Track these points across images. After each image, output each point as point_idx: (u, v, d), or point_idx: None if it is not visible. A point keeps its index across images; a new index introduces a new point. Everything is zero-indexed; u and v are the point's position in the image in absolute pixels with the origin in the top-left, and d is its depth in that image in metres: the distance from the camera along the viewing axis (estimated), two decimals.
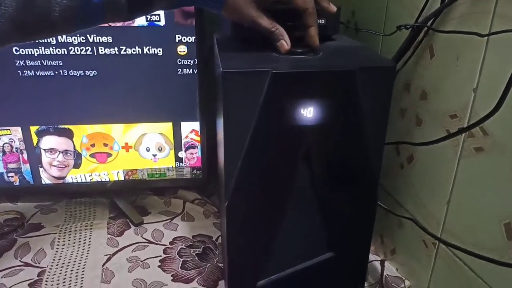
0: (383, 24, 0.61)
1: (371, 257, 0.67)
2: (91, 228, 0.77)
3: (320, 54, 0.49)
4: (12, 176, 0.80)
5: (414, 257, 0.59)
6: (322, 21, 0.53)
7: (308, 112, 0.46)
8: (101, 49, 0.72)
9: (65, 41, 0.71)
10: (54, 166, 0.81)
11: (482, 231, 0.46)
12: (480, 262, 0.45)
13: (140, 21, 0.71)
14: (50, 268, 0.67)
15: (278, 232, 0.52)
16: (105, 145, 0.80)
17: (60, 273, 0.66)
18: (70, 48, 0.71)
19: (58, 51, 0.71)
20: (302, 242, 0.54)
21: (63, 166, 0.81)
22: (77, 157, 0.80)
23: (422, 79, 0.54)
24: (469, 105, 0.46)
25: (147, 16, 0.71)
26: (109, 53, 0.73)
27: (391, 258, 0.65)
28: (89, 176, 0.82)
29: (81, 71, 0.74)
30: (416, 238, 0.57)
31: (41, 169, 0.80)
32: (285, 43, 0.48)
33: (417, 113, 0.55)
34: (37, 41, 0.70)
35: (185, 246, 0.73)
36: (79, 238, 0.74)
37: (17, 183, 0.81)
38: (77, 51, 0.72)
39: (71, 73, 0.73)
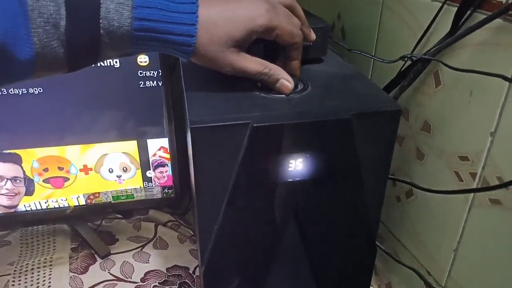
0: (375, 38, 0.52)
1: None
2: (50, 265, 0.68)
3: (308, 89, 0.41)
4: None
5: None
6: (308, 43, 0.44)
7: (297, 166, 0.38)
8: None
9: None
10: (2, 194, 0.70)
11: (493, 286, 0.40)
12: None
13: None
14: None
15: None
16: (60, 168, 0.70)
17: None
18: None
19: None
20: None
21: (13, 194, 0.71)
22: (29, 183, 0.70)
23: (424, 108, 0.46)
24: (484, 150, 0.39)
25: None
26: None
27: None
28: (45, 203, 0.73)
29: (24, 89, 0.63)
30: (416, 280, 0.52)
31: None
32: (287, 83, 0.39)
33: (418, 145, 0.48)
34: None
35: (158, 283, 0.65)
36: (37, 279, 0.66)
37: None
38: None
39: (11, 91, 0.62)
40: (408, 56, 0.41)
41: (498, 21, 0.35)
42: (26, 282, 0.65)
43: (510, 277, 0.38)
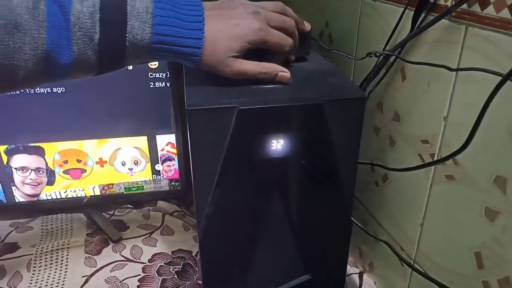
0: (355, 40, 0.59)
1: (350, 269, 0.68)
2: (68, 247, 0.76)
3: (290, 83, 0.48)
4: None
5: (391, 272, 0.59)
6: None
7: (278, 144, 0.45)
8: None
9: None
10: (27, 184, 0.79)
11: (454, 257, 0.46)
12: (452, 280, 0.45)
13: None
14: None
15: (253, 258, 0.52)
16: (79, 161, 0.78)
17: None
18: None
19: None
20: (278, 266, 0.54)
21: (36, 184, 0.79)
22: (50, 174, 0.78)
23: (394, 100, 0.53)
24: (440, 133, 0.45)
25: None
26: None
27: (370, 271, 0.66)
28: (64, 192, 0.81)
29: (48, 89, 0.71)
30: (393, 256, 0.58)
31: (13, 188, 0.78)
32: (284, 74, 0.46)
33: (390, 133, 0.54)
34: None
35: (164, 263, 0.72)
36: (56, 259, 0.73)
37: None
38: None
39: (37, 90, 0.71)
40: (373, 52, 0.48)
41: (445, 21, 0.42)
42: (46, 261, 0.73)
43: (471, 245, 0.44)
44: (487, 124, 0.38)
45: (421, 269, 0.51)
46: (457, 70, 0.40)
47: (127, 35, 0.41)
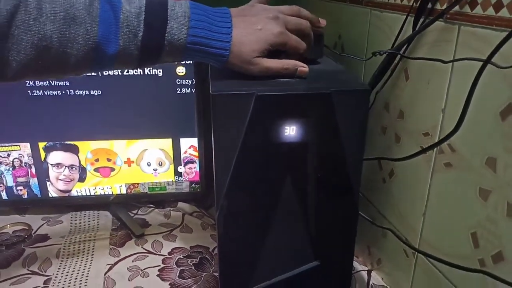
0: (365, 48, 0.65)
1: (359, 267, 0.70)
2: (94, 239, 0.81)
3: (303, 78, 0.53)
4: (20, 190, 0.85)
5: (397, 266, 0.62)
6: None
7: (291, 130, 0.50)
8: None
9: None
10: (60, 180, 0.85)
11: (454, 240, 0.49)
12: (452, 269, 0.48)
13: None
14: (56, 277, 0.71)
15: (266, 241, 0.56)
16: (109, 160, 0.85)
17: (64, 281, 0.70)
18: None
19: None
20: (289, 251, 0.58)
21: (69, 180, 0.86)
22: (82, 171, 0.85)
23: (399, 99, 0.58)
24: (438, 124, 0.50)
25: None
26: (112, 74, 0.78)
27: (377, 268, 0.69)
28: (93, 189, 0.87)
29: (86, 91, 0.79)
30: (398, 248, 0.61)
31: (48, 183, 0.85)
32: (303, 68, 0.52)
33: (396, 130, 0.59)
34: None
35: (182, 256, 0.77)
36: (83, 249, 0.79)
37: (25, 196, 0.86)
38: None
39: (77, 92, 0.79)
40: (378, 51, 0.54)
41: (441, 23, 0.48)
42: (73, 250, 0.78)
43: (468, 226, 0.47)
44: (477, 110, 0.43)
45: (426, 255, 0.54)
46: (449, 62, 0.45)
47: (166, 34, 0.48)
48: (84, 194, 0.87)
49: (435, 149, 0.51)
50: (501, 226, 0.42)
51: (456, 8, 0.45)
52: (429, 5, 0.50)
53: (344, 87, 0.50)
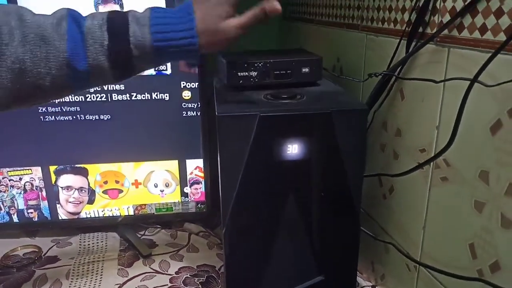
0: (362, 70, 0.68)
1: (363, 283, 0.72)
2: (103, 260, 0.83)
3: (304, 98, 0.57)
4: (31, 212, 0.87)
5: (400, 281, 0.64)
6: (306, 70, 0.61)
7: (293, 149, 0.53)
8: (115, 95, 0.81)
9: None
10: (70, 202, 0.88)
11: (453, 252, 0.51)
12: (453, 280, 0.50)
13: (149, 71, 0.80)
14: None
15: (272, 257, 0.58)
16: (117, 182, 0.88)
17: None
18: (87, 95, 0.80)
19: (76, 98, 0.80)
20: (294, 266, 0.60)
21: (78, 202, 0.88)
22: (91, 193, 0.88)
23: (396, 118, 0.60)
24: (434, 141, 0.52)
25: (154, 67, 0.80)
26: (121, 99, 0.81)
27: (381, 284, 0.70)
28: (102, 211, 0.89)
29: (96, 116, 0.82)
30: (401, 262, 0.62)
31: (58, 205, 0.87)
32: (272, 4, 0.50)
33: (394, 148, 0.62)
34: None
35: (190, 275, 0.78)
36: (92, 269, 0.80)
37: (36, 219, 0.88)
38: (93, 98, 0.80)
39: (87, 117, 0.82)
40: (374, 73, 0.57)
41: (432, 46, 0.51)
42: (83, 271, 0.80)
43: (465, 238, 0.49)
44: (469, 126, 0.46)
45: (426, 269, 0.56)
46: (440, 82, 0.47)
47: (130, 38, 0.49)
48: (92, 216, 0.89)
49: (432, 164, 0.53)
50: (497, 236, 0.44)
51: (445, 31, 0.48)
52: (420, 29, 0.53)
53: (343, 107, 0.53)
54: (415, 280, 0.59)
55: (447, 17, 0.48)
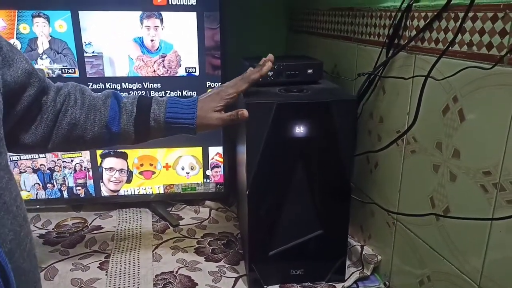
0: (354, 71, 0.87)
1: (354, 243, 0.89)
2: (140, 228, 1.00)
3: (309, 92, 0.75)
4: (79, 189, 1.05)
5: (382, 237, 0.81)
6: (310, 71, 0.79)
7: (301, 129, 0.71)
8: (152, 92, 0.99)
9: (127, 87, 0.98)
10: (111, 181, 1.05)
11: (419, 205, 0.69)
12: (419, 227, 0.67)
13: (181, 72, 0.98)
14: (113, 254, 0.90)
15: (282, 214, 0.76)
16: (151, 165, 1.05)
17: (121, 256, 0.88)
18: (130, 92, 0.98)
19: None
20: (299, 222, 0.77)
21: (118, 182, 1.05)
22: (129, 174, 1.05)
23: (379, 108, 0.79)
24: (405, 124, 0.70)
25: (186, 67, 0.98)
26: (158, 95, 0.99)
27: (368, 242, 0.87)
28: (137, 189, 1.06)
29: None
30: (383, 221, 0.80)
31: (101, 184, 1.05)
32: (243, 112, 0.68)
33: (378, 132, 0.80)
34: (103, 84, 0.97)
35: (213, 239, 0.95)
36: (132, 234, 0.97)
37: (82, 195, 1.05)
38: (136, 94, 0.98)
39: None
40: (361, 73, 0.75)
41: (404, 53, 0.69)
42: (125, 235, 0.97)
43: (427, 193, 0.67)
44: (428, 110, 0.64)
45: (401, 222, 0.74)
46: (408, 78, 0.66)
47: (151, 113, 0.70)
48: (129, 193, 1.06)
49: (404, 141, 0.71)
50: (447, 188, 0.62)
51: (413, 43, 0.67)
52: (396, 41, 0.71)
53: (339, 98, 0.71)
54: (393, 233, 0.77)
55: (413, 32, 0.67)
